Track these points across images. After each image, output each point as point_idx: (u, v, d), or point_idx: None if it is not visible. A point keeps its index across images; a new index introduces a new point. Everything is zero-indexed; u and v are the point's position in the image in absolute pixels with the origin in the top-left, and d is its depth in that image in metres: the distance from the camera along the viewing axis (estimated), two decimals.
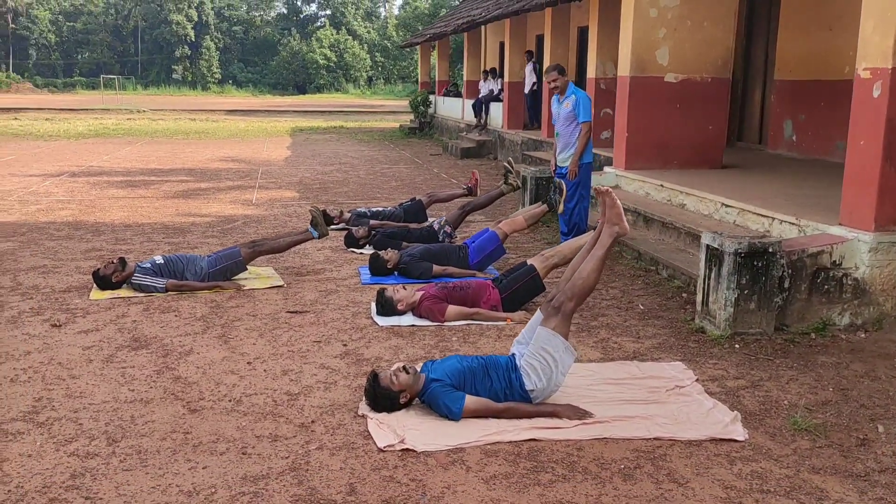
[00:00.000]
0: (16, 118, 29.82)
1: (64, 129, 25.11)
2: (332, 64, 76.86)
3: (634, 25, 8.89)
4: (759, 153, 11.60)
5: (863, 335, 5.41)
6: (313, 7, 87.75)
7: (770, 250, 5.20)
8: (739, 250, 5.15)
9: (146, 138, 22.60)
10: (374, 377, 4.15)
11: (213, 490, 3.35)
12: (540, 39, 17.17)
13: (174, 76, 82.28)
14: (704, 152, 9.33)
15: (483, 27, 21.17)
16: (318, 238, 7.01)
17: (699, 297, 5.55)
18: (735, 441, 3.87)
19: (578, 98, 7.60)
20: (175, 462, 3.59)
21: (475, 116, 18.76)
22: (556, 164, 8.01)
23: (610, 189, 4.65)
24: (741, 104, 12.81)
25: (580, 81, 14.63)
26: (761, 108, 12.31)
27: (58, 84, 78.82)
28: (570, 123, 7.66)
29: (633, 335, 5.47)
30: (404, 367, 4.17)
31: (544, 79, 7.91)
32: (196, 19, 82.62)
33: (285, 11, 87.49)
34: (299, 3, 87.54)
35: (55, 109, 35.02)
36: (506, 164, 8.59)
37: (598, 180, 9.49)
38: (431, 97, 24.69)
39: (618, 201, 4.56)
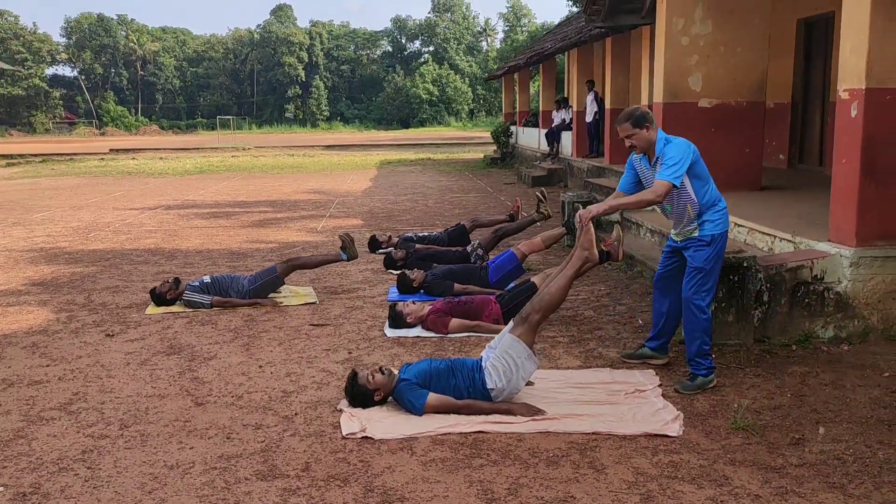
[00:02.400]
0: (133, 158, 32.30)
1: (172, 167, 27.09)
2: (434, 98, 78.82)
3: (666, 54, 9.19)
4: (817, 175, 11.54)
5: (845, 347, 5.55)
6: (417, 44, 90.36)
7: (745, 265, 5.45)
8: None
9: (243, 173, 24.15)
10: (353, 376, 4.70)
11: (192, 465, 3.96)
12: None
13: (286, 115, 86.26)
14: (742, 175, 9.46)
15: (566, 60, 21.70)
16: (348, 260, 7.65)
17: None
18: (668, 437, 4.19)
19: (666, 151, 4.90)
20: (169, 444, 4.23)
21: (548, 145, 19.22)
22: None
23: (585, 217, 4.97)
24: (801, 127, 12.76)
25: None
26: (821, 130, 12.23)
27: (181, 126, 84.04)
28: (679, 193, 4.96)
29: (619, 346, 5.81)
30: (380, 368, 4.70)
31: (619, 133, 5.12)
32: (307, 60, 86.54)
33: (390, 49, 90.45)
34: (403, 41, 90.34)
35: (169, 149, 37.61)
36: (538, 193, 9.02)
37: None
38: (513, 128, 25.30)
39: (592, 230, 4.97)
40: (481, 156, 28.45)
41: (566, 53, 20.03)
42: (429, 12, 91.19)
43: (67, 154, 34.91)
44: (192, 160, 30.65)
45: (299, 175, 23.32)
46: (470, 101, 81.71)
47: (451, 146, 38.63)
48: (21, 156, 34.05)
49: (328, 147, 38.29)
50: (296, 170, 25.34)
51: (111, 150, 37.49)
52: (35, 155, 34.55)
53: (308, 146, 38.71)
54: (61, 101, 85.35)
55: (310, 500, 3.57)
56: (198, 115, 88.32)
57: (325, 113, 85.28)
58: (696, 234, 4.99)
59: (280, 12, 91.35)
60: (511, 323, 4.85)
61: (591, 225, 5.04)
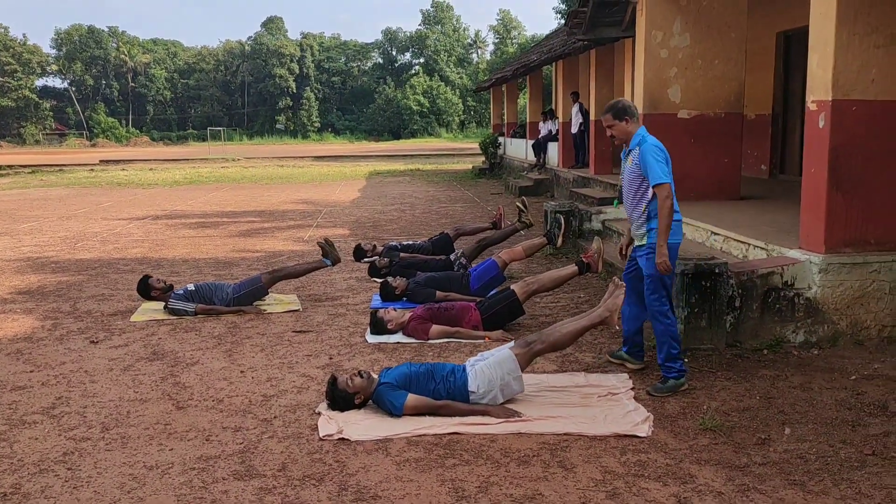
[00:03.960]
0: (123, 169, 32.35)
1: (162, 178, 27.16)
2: (425, 109, 79.17)
3: (646, 66, 9.36)
4: (797, 185, 11.65)
5: (815, 352, 5.68)
6: (407, 56, 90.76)
7: (717, 271, 5.58)
8: (686, 271, 5.56)
9: (232, 184, 24.25)
10: (333, 380, 4.80)
11: (171, 465, 4.05)
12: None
13: (277, 126, 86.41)
14: (721, 184, 9.62)
15: (553, 72, 21.90)
16: (332, 265, 7.76)
17: None
18: (637, 437, 4.30)
19: (643, 149, 5.04)
20: (149, 445, 4.32)
21: (535, 156, 19.39)
22: (628, 241, 5.49)
23: (623, 285, 5.05)
24: (782, 138, 12.97)
25: None
26: (801, 141, 12.40)
27: (172, 137, 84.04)
28: (634, 185, 5.15)
29: (595, 351, 5.92)
30: (359, 372, 4.81)
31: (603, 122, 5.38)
32: (298, 72, 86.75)
33: (381, 61, 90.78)
34: (394, 53, 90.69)
35: (159, 160, 37.69)
36: (518, 204, 9.16)
37: (617, 213, 9.94)
38: (501, 139, 25.50)
39: (622, 297, 5.01)
40: (470, 167, 28.64)
41: (553, 65, 20.25)
42: (419, 24, 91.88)
43: (57, 165, 34.94)
44: (181, 171, 30.73)
45: (288, 185, 23.43)
46: (460, 113, 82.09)
47: (440, 157, 38.85)
48: (10, 167, 34.07)
49: (318, 158, 38.48)
50: (285, 180, 25.46)
51: (101, 161, 37.55)
52: (24, 166, 34.58)
53: (298, 157, 38.85)
54: (51, 113, 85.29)
55: (285, 498, 3.67)
56: (189, 126, 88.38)
57: (316, 124, 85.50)
58: (644, 241, 5.08)
59: (271, 24, 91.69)
60: (513, 342, 4.99)
61: (623, 293, 5.01)
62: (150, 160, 38.60)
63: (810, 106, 5.82)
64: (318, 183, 24.31)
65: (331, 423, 4.56)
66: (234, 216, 15.54)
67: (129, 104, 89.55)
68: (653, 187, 4.93)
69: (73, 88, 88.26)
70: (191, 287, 7.43)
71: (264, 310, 7.41)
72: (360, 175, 27.28)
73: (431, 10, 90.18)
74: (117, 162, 36.62)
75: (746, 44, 9.69)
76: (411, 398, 4.65)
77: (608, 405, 4.78)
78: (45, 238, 12.78)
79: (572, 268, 6.67)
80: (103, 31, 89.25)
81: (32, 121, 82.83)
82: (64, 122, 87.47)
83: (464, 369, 4.84)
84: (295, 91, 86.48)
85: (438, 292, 7.45)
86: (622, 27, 10.62)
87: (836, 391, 4.96)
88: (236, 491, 3.75)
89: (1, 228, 14.23)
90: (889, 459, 3.96)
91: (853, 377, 5.19)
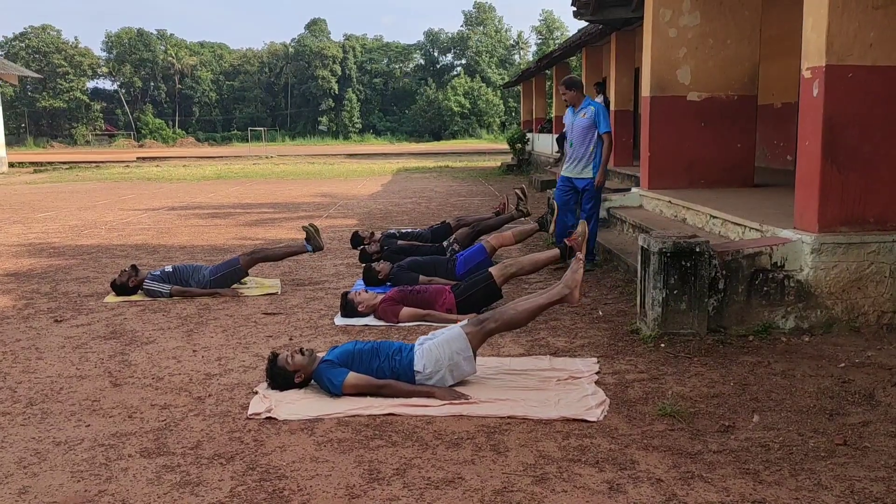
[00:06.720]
0: (157, 165, 32.67)
1: (192, 174, 27.30)
2: (465, 111, 78.90)
3: (654, 46, 8.93)
4: None
5: (806, 339, 5.23)
6: (449, 57, 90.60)
7: (697, 250, 5.17)
8: (664, 250, 5.17)
9: (259, 179, 24.24)
10: (273, 358, 4.53)
11: (80, 442, 3.81)
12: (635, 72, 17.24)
13: (320, 127, 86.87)
14: (734, 171, 9.14)
15: (581, 65, 21.47)
16: (313, 251, 7.50)
17: (638, 300, 5.57)
18: (586, 421, 3.94)
19: (597, 109, 7.74)
20: (67, 421, 4.09)
21: (559, 150, 18.93)
22: (561, 175, 8.11)
23: (582, 259, 4.84)
24: None
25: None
26: None
27: (217, 138, 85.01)
28: (587, 135, 7.73)
29: (570, 336, 5.56)
30: (300, 350, 4.53)
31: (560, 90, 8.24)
32: (340, 73, 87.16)
33: (423, 62, 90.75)
34: (436, 54, 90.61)
35: (194, 157, 38.03)
36: (517, 191, 8.81)
37: (622, 200, 9.53)
38: (529, 135, 25.08)
39: (581, 271, 4.74)
40: (499, 164, 28.28)
41: (582, 56, 19.80)
42: (461, 26, 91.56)
43: (94, 161, 35.45)
44: (212, 167, 30.91)
45: (314, 181, 23.32)
46: (501, 114, 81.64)
47: (472, 155, 38.51)
48: (50, 163, 34.68)
49: (350, 155, 38.45)
50: (312, 176, 25.38)
51: (138, 158, 38.05)
52: (63, 162, 35.16)
53: (330, 154, 38.88)
54: (101, 114, 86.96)
55: (185, 476, 3.39)
56: (233, 127, 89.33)
57: (358, 125, 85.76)
58: (588, 175, 7.82)
59: (314, 26, 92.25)
60: (466, 320, 4.67)
61: (583, 266, 4.79)
62: (182, 157, 38.99)
63: (804, 74, 5.38)
64: (344, 178, 24.17)
65: (263, 401, 4.28)
66: (249, 207, 15.43)
67: (175, 106, 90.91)
68: (605, 133, 7.65)
69: (123, 90, 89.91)
70: (168, 268, 7.24)
71: (242, 292, 7.18)
72: (387, 171, 27.10)
73: (473, 11, 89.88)
74: (152, 159, 37.08)
75: (770, 28, 9.20)
76: (352, 376, 4.35)
77: (566, 389, 4.42)
78: (54, 226, 12.78)
79: (554, 251, 6.33)
80: (152, 34, 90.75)
81: (83, 122, 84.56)
82: (113, 123, 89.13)
83: (412, 348, 4.53)
84: (337, 92, 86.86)
85: (422, 276, 7.14)
86: (631, 7, 10.19)
87: (819, 379, 4.52)
88: (137, 468, 3.48)
89: (17, 217, 14.31)
90: (861, 450, 3.55)
91: (842, 365, 4.74)
